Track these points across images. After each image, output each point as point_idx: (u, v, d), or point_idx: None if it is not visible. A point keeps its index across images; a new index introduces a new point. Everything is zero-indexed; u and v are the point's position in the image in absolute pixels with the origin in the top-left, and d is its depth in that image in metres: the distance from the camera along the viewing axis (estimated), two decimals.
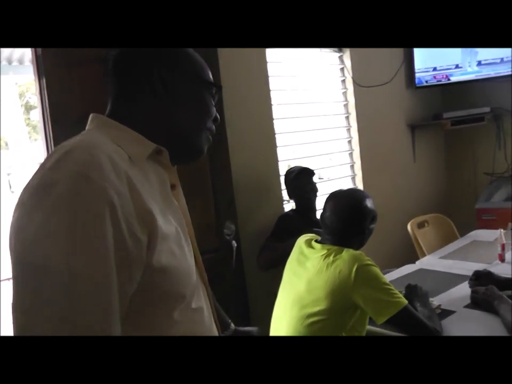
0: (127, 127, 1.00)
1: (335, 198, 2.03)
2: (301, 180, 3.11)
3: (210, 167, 2.82)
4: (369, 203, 1.98)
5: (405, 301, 1.78)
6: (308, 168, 3.18)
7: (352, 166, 4.18)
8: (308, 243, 2.01)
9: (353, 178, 4.19)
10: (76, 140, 0.91)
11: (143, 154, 0.98)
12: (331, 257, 1.84)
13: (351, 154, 4.18)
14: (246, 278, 3.07)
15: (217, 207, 2.90)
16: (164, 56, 1.06)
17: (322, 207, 2.05)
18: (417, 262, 3.01)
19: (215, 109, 1.13)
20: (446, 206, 4.79)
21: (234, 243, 2.86)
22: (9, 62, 4.87)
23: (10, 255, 0.83)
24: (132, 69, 1.05)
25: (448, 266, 2.81)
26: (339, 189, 2.15)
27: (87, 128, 1.03)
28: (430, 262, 2.97)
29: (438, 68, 4.45)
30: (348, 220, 1.94)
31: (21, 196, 0.85)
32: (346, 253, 1.82)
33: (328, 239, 1.97)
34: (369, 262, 1.81)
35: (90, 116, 1.05)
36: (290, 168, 3.29)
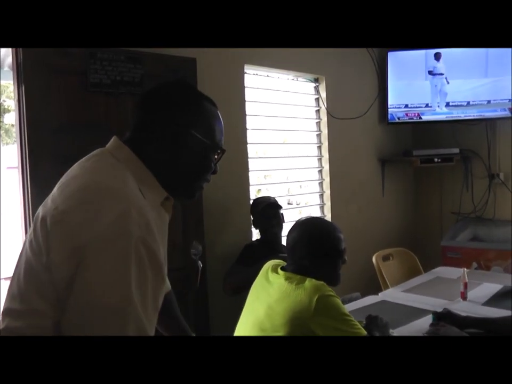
0: (143, 162, 1.17)
1: (300, 226, 2.01)
2: (268, 214, 3.14)
3: None
4: (334, 234, 1.97)
5: (364, 332, 1.76)
6: (275, 203, 3.21)
7: (321, 195, 4.21)
8: (274, 269, 1.99)
9: (321, 207, 4.22)
10: (120, 185, 1.08)
11: (158, 201, 1.20)
12: (293, 285, 1.80)
13: (321, 184, 4.21)
14: (209, 299, 3.04)
15: (185, 226, 2.89)
16: (179, 114, 1.20)
17: (287, 233, 2.04)
18: (380, 294, 3.01)
19: (216, 165, 1.29)
20: (412, 241, 4.84)
21: (200, 263, 2.84)
22: None
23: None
24: (151, 117, 1.20)
25: (411, 299, 2.82)
26: (307, 216, 2.14)
27: (113, 152, 1.17)
28: (392, 294, 2.98)
29: (409, 105, 4.54)
30: (310, 249, 1.92)
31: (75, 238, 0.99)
32: (309, 283, 1.79)
33: (292, 267, 1.95)
34: (331, 293, 1.77)
35: (116, 141, 1.20)
36: (257, 199, 3.32)
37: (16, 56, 2.41)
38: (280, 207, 3.21)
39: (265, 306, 1.88)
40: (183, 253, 2.84)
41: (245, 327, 1.98)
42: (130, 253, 0.99)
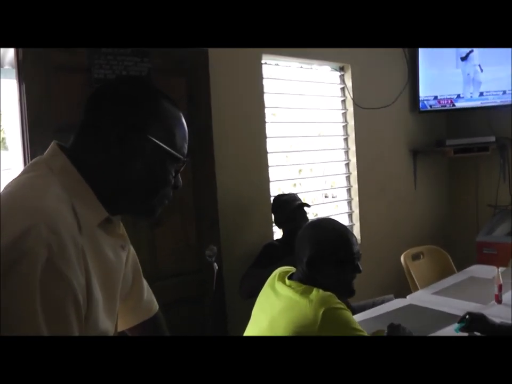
0: (83, 172, 0.99)
1: (307, 229, 1.84)
2: (298, 215, 2.97)
3: (194, 183, 2.69)
4: (343, 238, 1.77)
5: None
6: (306, 203, 3.06)
7: (348, 190, 4.03)
8: (282, 277, 1.82)
9: (349, 203, 4.04)
10: (35, 198, 0.90)
11: (94, 221, 0.99)
12: (298, 296, 1.64)
13: (348, 178, 4.02)
14: (226, 302, 2.91)
15: (199, 226, 2.76)
16: (131, 114, 1.01)
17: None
18: (408, 297, 2.83)
19: (178, 177, 1.09)
20: (446, 236, 4.62)
21: (215, 265, 2.71)
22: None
23: None
24: (97, 117, 1.01)
25: (441, 303, 2.62)
26: (316, 218, 1.97)
27: (48, 161, 1.00)
28: (421, 297, 2.79)
29: (439, 97, 4.31)
30: (315, 255, 1.72)
31: None
32: (315, 294, 1.62)
33: (298, 275, 1.78)
34: (339, 306, 1.61)
35: (54, 147, 1.02)
36: (282, 196, 3.16)
37: (16, 54, 2.32)
38: (308, 206, 3.05)
39: (268, 318, 1.73)
40: (197, 255, 2.72)
41: None
42: (34, 278, 0.81)
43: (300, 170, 3.89)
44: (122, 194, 1.03)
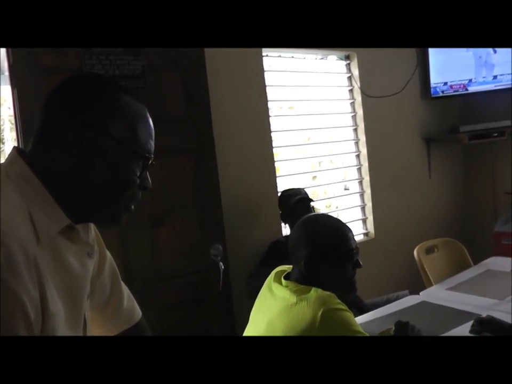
0: (43, 177, 0.94)
1: (300, 225, 1.75)
2: (299, 209, 2.87)
3: (195, 181, 2.62)
4: (339, 233, 1.69)
5: None
6: (307, 197, 2.98)
7: (360, 182, 3.92)
8: (278, 277, 1.74)
9: (361, 195, 3.93)
10: None
11: (54, 229, 0.93)
12: (295, 297, 1.56)
13: (359, 170, 3.91)
14: (233, 303, 2.83)
15: (203, 225, 2.68)
16: (88, 110, 0.96)
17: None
18: (421, 293, 2.71)
19: (145, 176, 1.02)
20: (462, 227, 4.48)
21: (221, 265, 2.64)
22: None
23: None
24: (53, 116, 0.97)
25: (455, 299, 2.51)
26: (310, 214, 1.88)
27: (7, 167, 0.95)
28: (435, 293, 2.68)
29: (449, 83, 4.16)
30: (311, 252, 1.64)
31: None
32: (313, 294, 1.54)
33: (295, 275, 1.70)
34: (340, 306, 1.52)
35: (13, 153, 0.97)
36: (286, 191, 3.09)
37: (8, 58, 2.28)
38: (311, 200, 2.97)
39: (266, 320, 1.64)
40: (202, 255, 2.65)
41: None
42: None
43: (319, 163, 3.83)
44: (83, 199, 0.97)
